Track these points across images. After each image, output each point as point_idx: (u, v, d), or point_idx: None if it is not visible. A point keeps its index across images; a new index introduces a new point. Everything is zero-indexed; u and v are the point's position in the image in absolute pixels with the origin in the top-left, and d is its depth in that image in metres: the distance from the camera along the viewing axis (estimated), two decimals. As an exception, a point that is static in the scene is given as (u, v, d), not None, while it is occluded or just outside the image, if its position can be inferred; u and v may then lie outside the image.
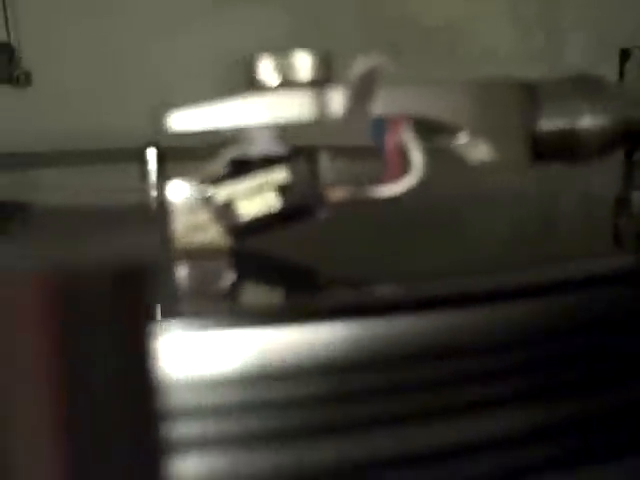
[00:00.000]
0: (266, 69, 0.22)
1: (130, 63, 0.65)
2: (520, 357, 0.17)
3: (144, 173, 0.38)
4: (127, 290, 0.09)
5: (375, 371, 0.16)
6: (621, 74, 0.49)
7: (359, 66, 0.21)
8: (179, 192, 0.22)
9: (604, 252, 0.23)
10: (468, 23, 0.61)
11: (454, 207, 0.31)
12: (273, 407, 0.16)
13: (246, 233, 0.22)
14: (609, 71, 0.61)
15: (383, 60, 0.21)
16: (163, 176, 0.38)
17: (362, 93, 0.21)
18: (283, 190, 0.22)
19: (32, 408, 0.09)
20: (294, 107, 0.21)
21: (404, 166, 0.23)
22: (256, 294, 0.21)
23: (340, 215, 0.23)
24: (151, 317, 0.10)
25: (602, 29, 0.59)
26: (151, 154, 0.39)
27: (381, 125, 0.23)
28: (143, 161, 0.38)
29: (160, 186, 0.37)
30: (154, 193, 0.37)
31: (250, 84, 0.22)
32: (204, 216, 0.22)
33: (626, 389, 0.18)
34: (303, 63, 0.22)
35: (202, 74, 0.65)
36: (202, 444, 0.15)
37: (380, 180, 0.23)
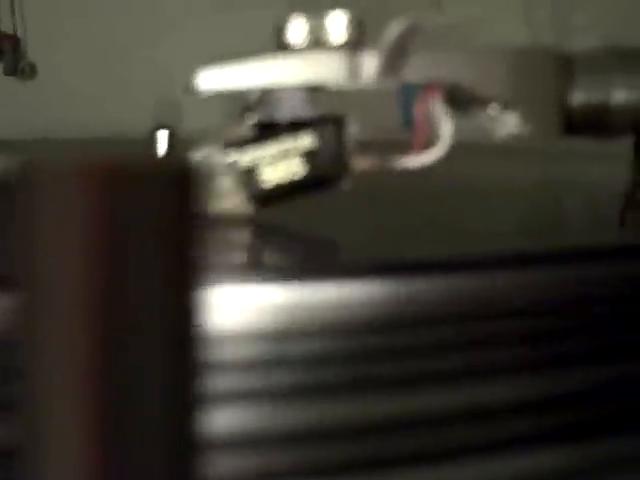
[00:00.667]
0: (297, 30, 0.21)
1: (133, 56, 0.65)
2: (548, 323, 0.16)
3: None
4: (178, 193, 0.09)
5: (398, 332, 0.16)
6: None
7: (395, 27, 0.21)
8: (200, 157, 0.22)
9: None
10: (480, 24, 0.61)
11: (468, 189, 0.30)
12: (300, 363, 0.15)
13: (269, 200, 0.22)
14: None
15: (421, 18, 0.20)
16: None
17: (395, 56, 0.21)
18: (309, 156, 0.21)
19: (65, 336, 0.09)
20: (325, 69, 0.21)
21: (432, 136, 0.22)
22: (278, 259, 0.21)
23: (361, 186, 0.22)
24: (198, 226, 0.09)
25: (613, 31, 0.59)
26: (162, 136, 0.38)
27: (410, 91, 0.22)
28: (152, 144, 0.38)
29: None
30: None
31: (279, 45, 0.22)
32: (227, 182, 0.21)
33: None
34: (336, 24, 0.21)
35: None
36: (233, 398, 0.14)
37: (407, 149, 0.22)
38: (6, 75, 0.74)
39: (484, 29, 0.61)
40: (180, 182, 0.09)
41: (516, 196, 0.31)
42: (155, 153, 0.37)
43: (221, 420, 0.14)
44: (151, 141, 0.37)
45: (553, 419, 0.16)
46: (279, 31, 0.22)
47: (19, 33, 0.75)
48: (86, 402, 0.09)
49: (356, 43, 0.21)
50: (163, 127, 0.38)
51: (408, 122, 0.22)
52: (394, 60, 0.21)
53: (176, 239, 0.09)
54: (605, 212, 0.28)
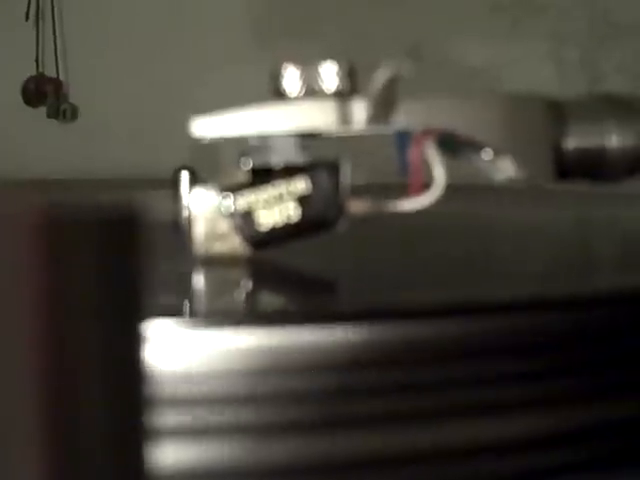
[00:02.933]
0: (290, 78, 0.22)
1: (173, 98, 0.66)
2: (530, 363, 0.17)
3: (176, 195, 0.38)
4: (115, 237, 0.09)
5: (372, 372, 0.16)
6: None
7: (381, 75, 0.21)
8: (201, 200, 0.22)
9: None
10: (511, 64, 0.61)
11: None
12: (269, 401, 0.15)
13: (265, 243, 0.22)
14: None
15: (404, 67, 0.21)
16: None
17: (383, 103, 0.21)
18: (303, 200, 0.22)
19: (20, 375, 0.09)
20: (318, 117, 0.21)
21: (426, 180, 0.23)
22: (269, 301, 0.21)
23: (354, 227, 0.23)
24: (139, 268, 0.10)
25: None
26: (184, 177, 0.39)
27: (404, 137, 0.23)
28: (176, 184, 0.38)
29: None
30: (185, 214, 0.38)
31: (274, 93, 0.22)
32: (225, 225, 0.22)
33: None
34: (328, 73, 0.22)
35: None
36: (199, 433, 0.14)
37: (402, 193, 0.23)
38: (49, 118, 0.76)
39: (514, 73, 0.61)
40: (114, 226, 0.09)
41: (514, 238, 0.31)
42: (178, 193, 0.38)
43: (173, 456, 0.14)
44: (174, 182, 0.38)
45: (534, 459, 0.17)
46: (274, 79, 0.22)
47: (61, 77, 0.78)
48: (39, 437, 0.10)
49: (347, 91, 0.22)
50: (185, 168, 0.39)
51: (404, 166, 0.23)
52: (383, 107, 0.21)
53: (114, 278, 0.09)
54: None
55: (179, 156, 0.65)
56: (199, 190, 0.22)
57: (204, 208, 0.22)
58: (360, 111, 0.22)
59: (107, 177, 0.60)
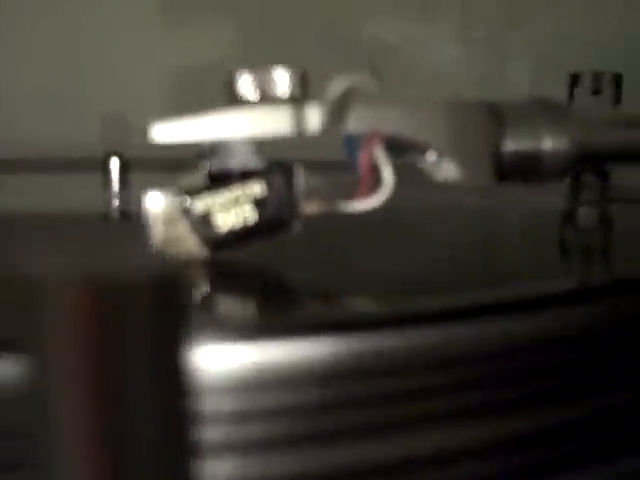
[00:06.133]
0: (245, 84, 0.23)
1: (85, 73, 0.65)
2: (493, 370, 0.18)
3: (106, 182, 0.39)
4: (164, 298, 0.10)
5: (357, 383, 0.17)
6: (570, 98, 0.51)
7: (336, 86, 0.22)
8: (156, 203, 0.23)
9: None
10: (421, 43, 0.62)
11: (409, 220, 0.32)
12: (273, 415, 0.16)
13: (222, 245, 0.23)
14: (554, 94, 0.63)
15: (363, 80, 0.22)
16: (125, 185, 0.38)
17: (338, 111, 0.22)
18: (259, 203, 0.23)
19: (69, 416, 0.10)
20: (273, 122, 0.22)
21: (375, 182, 0.24)
22: (231, 306, 0.22)
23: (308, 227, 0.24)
24: (185, 326, 0.10)
25: (548, 53, 0.61)
26: (114, 164, 0.39)
27: (354, 141, 0.24)
28: (105, 170, 0.39)
29: (122, 195, 0.38)
30: (116, 202, 0.38)
31: (230, 98, 0.23)
32: (181, 227, 0.23)
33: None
34: (281, 79, 0.23)
35: (155, 86, 0.65)
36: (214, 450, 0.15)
37: (352, 195, 0.24)
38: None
39: (424, 51, 0.63)
40: (163, 286, 0.10)
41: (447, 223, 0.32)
42: (110, 181, 0.38)
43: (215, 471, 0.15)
44: (103, 168, 0.38)
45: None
46: (229, 85, 0.23)
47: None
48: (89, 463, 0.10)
49: (300, 97, 0.23)
50: (114, 154, 0.39)
51: (352, 168, 0.24)
52: (336, 114, 0.22)
53: (164, 336, 0.10)
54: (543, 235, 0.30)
55: (87, 130, 0.65)
56: (155, 192, 0.23)
57: (160, 210, 0.23)
58: (314, 117, 0.22)
59: (19, 156, 0.59)
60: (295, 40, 0.65)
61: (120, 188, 0.38)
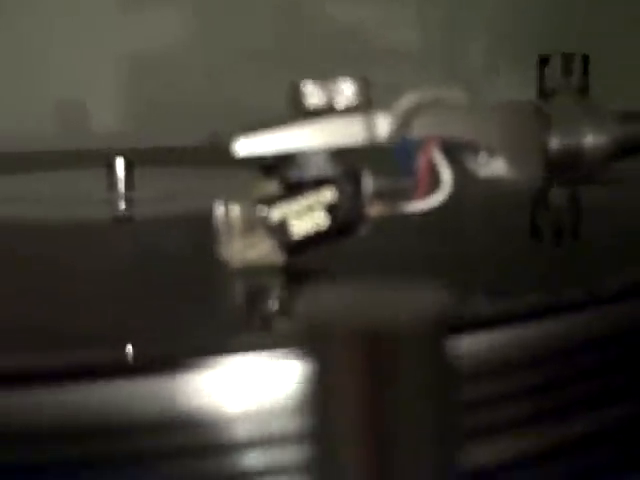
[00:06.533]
0: (311, 95, 0.24)
1: (32, 63, 0.64)
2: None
3: (111, 183, 0.39)
4: (435, 347, 0.11)
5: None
6: (540, 81, 0.52)
7: (410, 98, 0.23)
8: (230, 212, 0.24)
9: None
10: (379, 24, 0.64)
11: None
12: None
13: (297, 250, 0.24)
14: (511, 73, 0.65)
15: (450, 94, 0.23)
16: (130, 185, 0.39)
17: (406, 120, 0.23)
18: (331, 209, 0.24)
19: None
20: (347, 132, 0.23)
21: (434, 183, 0.25)
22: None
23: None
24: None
25: (505, 33, 0.63)
26: (119, 164, 0.39)
27: (410, 146, 0.25)
28: (110, 170, 0.39)
29: (127, 195, 0.38)
30: (122, 203, 0.38)
31: (295, 109, 0.24)
32: (260, 234, 0.24)
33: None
34: (346, 89, 0.24)
35: (110, 73, 0.65)
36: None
37: (411, 196, 0.25)
38: None
39: (382, 33, 0.64)
40: (435, 337, 0.11)
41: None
42: (115, 182, 0.38)
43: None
44: (109, 167, 0.38)
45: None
46: (294, 96, 0.24)
47: None
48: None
49: (363, 106, 0.24)
50: (120, 154, 0.39)
51: (408, 172, 0.25)
52: (404, 124, 0.23)
53: (436, 387, 0.11)
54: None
55: (43, 121, 0.64)
56: (228, 201, 0.24)
57: (235, 219, 0.24)
58: (383, 126, 0.23)
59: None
60: (251, 24, 0.66)
61: (126, 189, 0.38)
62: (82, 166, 0.43)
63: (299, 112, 0.24)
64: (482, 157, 0.25)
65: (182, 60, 0.65)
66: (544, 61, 0.52)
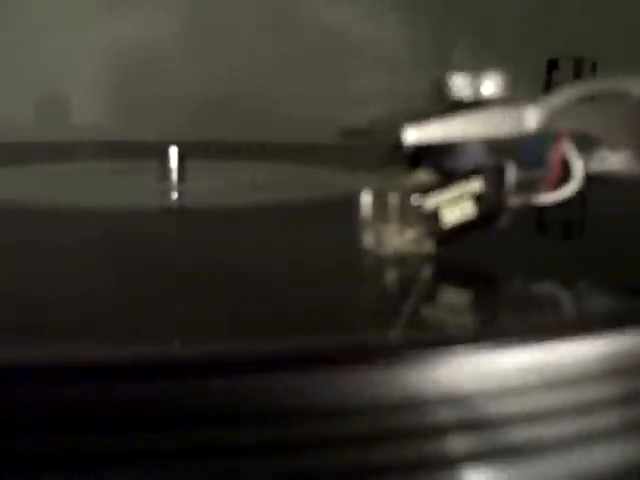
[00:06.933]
0: (459, 86, 0.24)
1: (19, 56, 0.63)
2: None
3: (164, 173, 0.38)
4: None
5: None
6: (548, 85, 0.54)
7: (566, 93, 0.24)
8: (378, 200, 0.24)
9: None
10: (363, 26, 0.64)
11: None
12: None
13: (445, 240, 0.24)
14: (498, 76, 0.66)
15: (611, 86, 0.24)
16: (184, 175, 0.38)
17: (553, 113, 0.24)
18: (478, 199, 0.24)
19: None
20: (501, 123, 0.24)
21: (565, 175, 0.25)
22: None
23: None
24: None
25: (490, 35, 0.64)
26: (173, 152, 0.39)
27: (541, 139, 0.25)
28: (164, 160, 0.38)
29: (180, 185, 0.38)
30: (175, 195, 0.38)
31: (439, 99, 0.24)
32: (409, 222, 0.24)
33: None
34: (492, 81, 0.24)
35: (93, 67, 0.64)
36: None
37: (543, 188, 0.25)
38: None
39: (367, 35, 0.64)
40: None
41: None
42: (168, 171, 0.38)
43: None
44: (162, 156, 0.38)
45: None
46: (440, 87, 0.24)
47: None
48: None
49: (508, 99, 0.24)
50: (174, 143, 0.39)
51: (540, 164, 0.25)
52: (550, 116, 0.24)
53: None
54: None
55: (26, 115, 0.63)
56: (373, 190, 0.24)
57: (385, 208, 0.24)
58: (531, 118, 0.24)
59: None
60: (238, 22, 0.65)
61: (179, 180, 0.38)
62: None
63: (444, 103, 0.24)
64: (605, 150, 0.26)
65: (166, 54, 0.65)
66: (552, 65, 0.54)
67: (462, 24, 0.64)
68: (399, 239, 0.24)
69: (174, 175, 0.38)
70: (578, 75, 0.53)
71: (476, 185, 0.24)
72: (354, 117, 0.66)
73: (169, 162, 0.38)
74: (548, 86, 0.54)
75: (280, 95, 0.64)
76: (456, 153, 0.24)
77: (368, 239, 0.24)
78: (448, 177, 0.24)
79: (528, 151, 0.26)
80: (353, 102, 0.64)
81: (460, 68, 0.70)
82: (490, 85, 0.24)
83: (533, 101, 0.24)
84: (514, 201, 0.25)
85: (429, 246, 0.24)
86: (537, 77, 0.56)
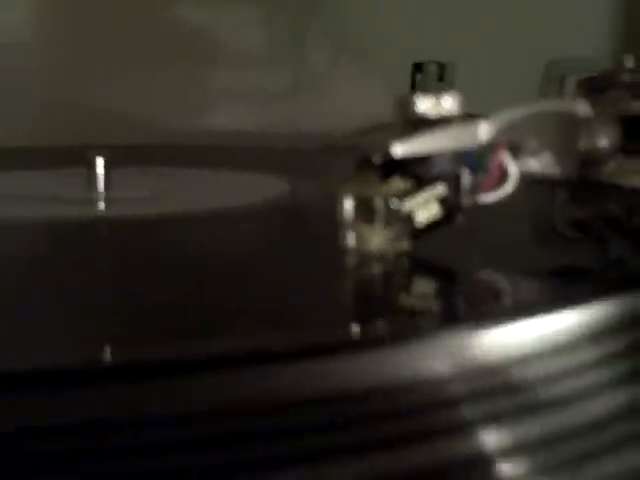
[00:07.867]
0: (423, 105, 0.28)
1: None
2: None
3: (90, 181, 0.40)
4: None
5: None
6: (412, 87, 0.58)
7: (510, 111, 0.28)
8: (359, 204, 0.27)
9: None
10: (226, 27, 0.67)
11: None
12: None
13: (418, 237, 0.28)
14: (351, 76, 0.70)
15: (569, 105, 0.28)
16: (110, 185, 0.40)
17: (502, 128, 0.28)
18: (442, 202, 0.28)
19: None
20: (464, 136, 0.28)
21: (501, 178, 0.30)
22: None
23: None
24: None
25: (347, 36, 0.68)
26: (99, 161, 0.41)
27: (483, 148, 0.30)
28: (91, 167, 0.40)
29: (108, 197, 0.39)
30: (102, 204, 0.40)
31: (406, 116, 0.28)
32: (386, 223, 0.28)
33: None
34: (450, 100, 0.28)
35: None
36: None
37: (482, 189, 0.30)
38: None
39: (229, 36, 0.67)
40: None
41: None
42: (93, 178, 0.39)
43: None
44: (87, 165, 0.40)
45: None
46: (403, 105, 0.28)
47: None
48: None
49: (463, 116, 0.29)
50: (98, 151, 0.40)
51: (478, 169, 0.30)
52: (501, 130, 0.29)
53: None
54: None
55: None
56: (351, 194, 0.28)
57: (364, 210, 0.28)
58: (484, 131, 0.28)
59: None
60: (94, 22, 0.67)
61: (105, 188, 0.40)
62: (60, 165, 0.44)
63: (409, 120, 0.28)
64: (532, 155, 0.31)
65: (19, 58, 0.65)
66: (417, 68, 0.59)
67: (316, 23, 0.68)
68: (379, 238, 0.28)
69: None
70: (441, 78, 0.58)
71: (440, 189, 0.28)
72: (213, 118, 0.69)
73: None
74: (413, 86, 0.58)
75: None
76: (425, 163, 0.28)
77: (351, 239, 0.28)
78: (419, 183, 0.28)
79: (471, 158, 0.30)
80: (213, 101, 0.67)
81: (318, 73, 0.74)
82: (449, 103, 0.28)
83: (484, 117, 0.28)
84: (466, 202, 0.29)
85: (405, 244, 0.28)
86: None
